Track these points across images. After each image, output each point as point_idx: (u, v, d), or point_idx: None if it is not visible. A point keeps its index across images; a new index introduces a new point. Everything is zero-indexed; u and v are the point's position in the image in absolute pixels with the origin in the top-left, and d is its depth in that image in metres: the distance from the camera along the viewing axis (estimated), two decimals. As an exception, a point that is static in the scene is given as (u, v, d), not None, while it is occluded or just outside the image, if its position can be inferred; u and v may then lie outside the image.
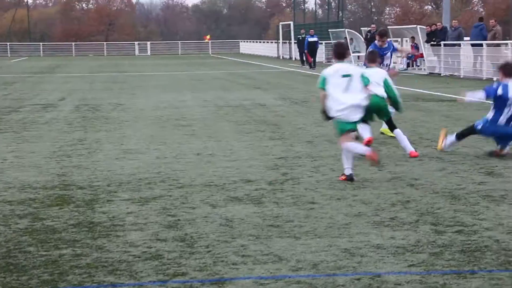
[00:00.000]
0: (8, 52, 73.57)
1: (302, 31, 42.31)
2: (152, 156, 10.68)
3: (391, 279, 5.19)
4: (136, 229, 6.59)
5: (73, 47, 75.76)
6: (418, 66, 34.42)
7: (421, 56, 33.56)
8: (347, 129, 8.68)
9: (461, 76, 28.43)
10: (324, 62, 43.15)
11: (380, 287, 5.05)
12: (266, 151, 11.10)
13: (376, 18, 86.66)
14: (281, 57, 55.78)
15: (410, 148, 10.45)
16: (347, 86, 8.57)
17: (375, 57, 10.93)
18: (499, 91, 10.18)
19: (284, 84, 26.66)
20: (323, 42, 44.97)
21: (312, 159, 10.34)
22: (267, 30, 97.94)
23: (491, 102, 10.41)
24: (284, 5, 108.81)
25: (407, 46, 32.89)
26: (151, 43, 78.70)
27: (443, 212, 7.10)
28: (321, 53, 44.46)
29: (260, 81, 28.84)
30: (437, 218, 6.85)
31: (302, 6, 71.34)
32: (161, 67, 44.07)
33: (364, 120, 9.41)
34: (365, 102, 8.70)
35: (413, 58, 34.51)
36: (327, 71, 8.71)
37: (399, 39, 35.33)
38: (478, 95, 10.55)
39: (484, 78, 26.50)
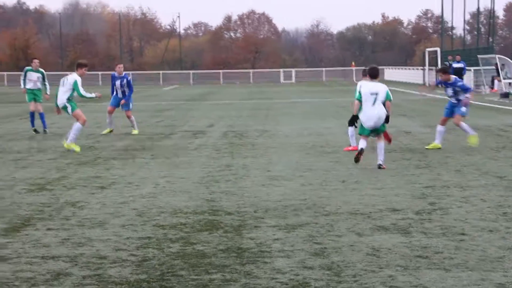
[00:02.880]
0: (161, 80, 76.92)
1: (450, 57, 41.40)
2: (298, 183, 10.76)
3: (549, 318, 4.93)
4: (283, 256, 6.65)
5: (221, 75, 78.04)
6: None
7: None
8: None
9: None
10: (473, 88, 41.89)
11: (537, 325, 4.81)
12: (412, 180, 10.91)
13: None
14: (427, 84, 54.75)
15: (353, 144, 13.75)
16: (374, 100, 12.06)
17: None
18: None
19: (430, 112, 26.13)
20: (472, 68, 43.75)
21: (461, 188, 10.05)
22: (412, 57, 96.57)
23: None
24: (431, 31, 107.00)
25: None
26: (295, 70, 79.65)
27: None
28: (469, 80, 43.25)
29: (405, 108, 28.43)
30: None
31: (450, 32, 69.80)
32: (305, 94, 44.44)
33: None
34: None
35: None
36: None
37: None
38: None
39: None
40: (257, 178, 11.30)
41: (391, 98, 12.26)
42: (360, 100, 12.12)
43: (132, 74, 78.91)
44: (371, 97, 11.97)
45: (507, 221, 7.91)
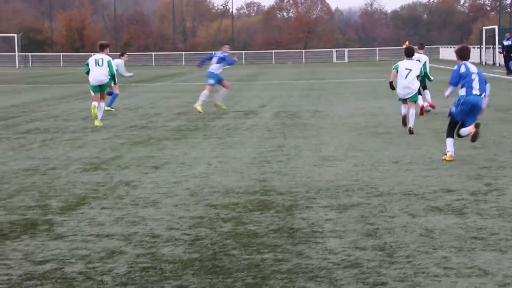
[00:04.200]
0: (213, 61, 77.01)
1: (507, 35, 40.45)
2: (350, 164, 10.69)
3: None
4: (335, 236, 6.62)
5: (273, 55, 77.84)
6: None
7: None
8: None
9: None
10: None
11: None
12: (467, 160, 10.73)
13: None
14: (484, 63, 53.73)
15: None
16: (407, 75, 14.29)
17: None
18: (462, 70, 10.85)
19: (487, 91, 25.59)
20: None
21: (518, 169, 9.85)
22: (469, 35, 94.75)
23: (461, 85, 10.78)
24: (488, 8, 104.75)
25: None
26: (348, 50, 78.95)
27: None
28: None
29: (461, 88, 27.92)
30: None
31: (509, 9, 68.20)
32: (358, 73, 44.04)
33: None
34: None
35: None
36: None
37: None
38: (449, 90, 11.24)
39: None
40: (309, 159, 11.26)
41: (423, 73, 15.20)
42: (397, 70, 14.37)
43: (184, 54, 79.43)
44: (405, 72, 14.22)
45: None
